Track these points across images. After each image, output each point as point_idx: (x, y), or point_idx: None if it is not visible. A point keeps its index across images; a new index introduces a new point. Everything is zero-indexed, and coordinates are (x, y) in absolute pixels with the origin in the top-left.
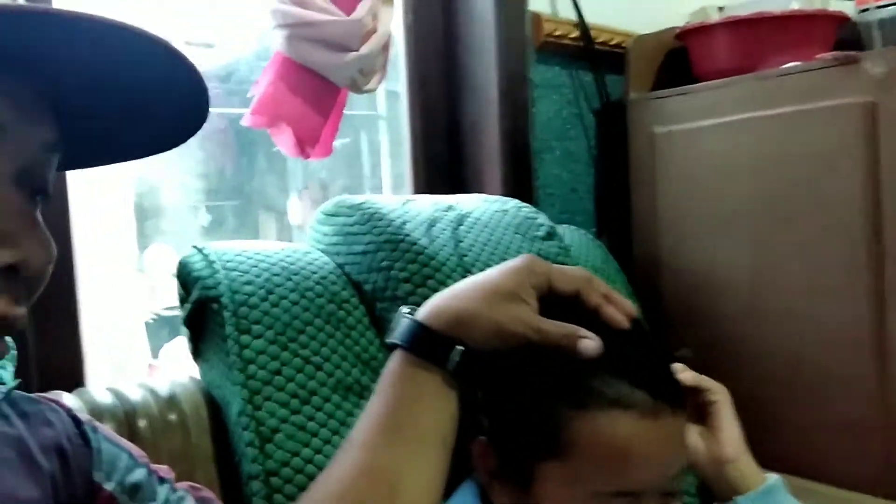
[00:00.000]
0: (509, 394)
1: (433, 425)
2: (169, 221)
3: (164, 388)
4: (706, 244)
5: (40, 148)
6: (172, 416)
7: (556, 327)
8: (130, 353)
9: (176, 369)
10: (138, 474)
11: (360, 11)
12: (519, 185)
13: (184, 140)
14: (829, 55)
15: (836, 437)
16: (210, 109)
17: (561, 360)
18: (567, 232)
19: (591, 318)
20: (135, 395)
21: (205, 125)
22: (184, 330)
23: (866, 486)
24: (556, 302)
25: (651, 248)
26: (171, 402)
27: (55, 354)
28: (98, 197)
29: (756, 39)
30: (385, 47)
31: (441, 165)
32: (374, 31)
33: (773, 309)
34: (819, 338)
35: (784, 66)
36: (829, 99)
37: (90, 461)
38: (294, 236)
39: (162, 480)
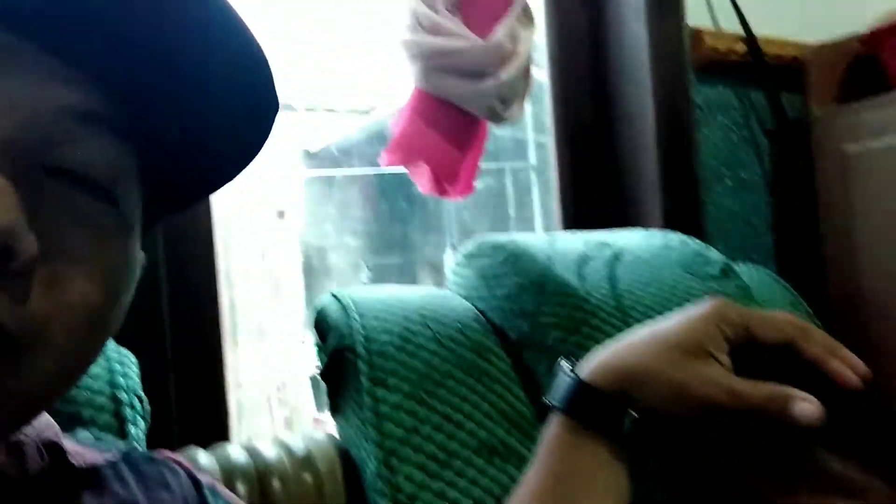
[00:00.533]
0: (695, 472)
1: (600, 502)
2: (334, 281)
3: (299, 446)
4: None
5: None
6: (307, 476)
7: (759, 389)
8: (298, 410)
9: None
10: None
11: (498, 34)
12: (684, 218)
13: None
14: None
15: None
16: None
17: (765, 431)
18: (744, 270)
19: (806, 377)
20: (269, 452)
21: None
22: (321, 383)
23: None
24: (757, 359)
25: (850, 288)
26: (306, 460)
27: (198, 410)
28: (266, 256)
29: None
30: (527, 72)
31: (594, 200)
32: (513, 54)
33: None
34: None
35: None
36: None
37: None
38: None
39: None
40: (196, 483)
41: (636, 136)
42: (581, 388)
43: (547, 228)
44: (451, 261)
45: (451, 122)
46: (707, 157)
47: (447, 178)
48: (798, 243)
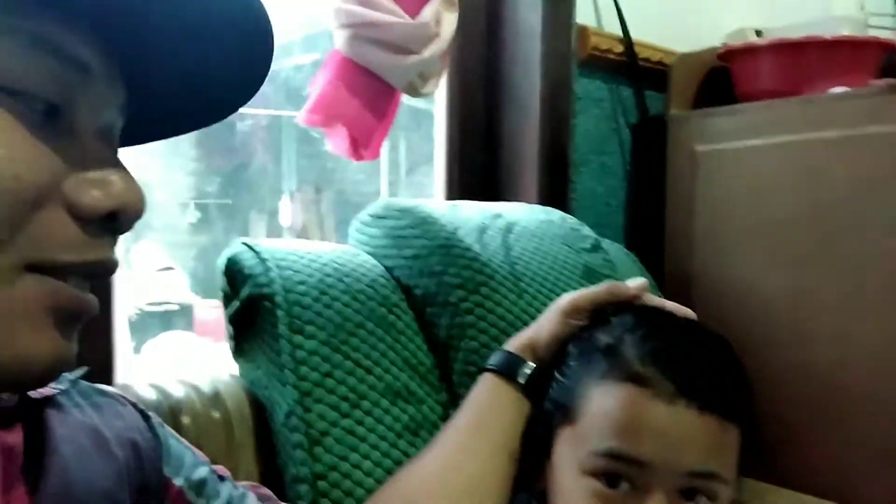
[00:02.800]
0: (556, 379)
1: (507, 431)
2: (157, 218)
3: (206, 385)
4: (742, 263)
5: (117, 109)
6: (216, 415)
7: (601, 286)
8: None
9: (159, 366)
10: (202, 472)
11: (426, 15)
12: (556, 195)
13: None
14: (881, 82)
15: (869, 462)
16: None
17: (604, 347)
18: (605, 244)
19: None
20: (177, 391)
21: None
22: (228, 327)
23: None
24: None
25: (684, 265)
26: (215, 399)
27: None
28: None
29: (802, 63)
30: (445, 52)
31: (477, 172)
32: (436, 35)
33: (808, 329)
34: (856, 360)
35: (833, 91)
36: (877, 125)
37: (160, 456)
38: (284, 238)
39: (222, 478)
40: (144, 416)
41: (521, 118)
42: (500, 352)
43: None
44: (286, 208)
45: (371, 91)
46: (578, 142)
47: (364, 142)
48: (646, 224)
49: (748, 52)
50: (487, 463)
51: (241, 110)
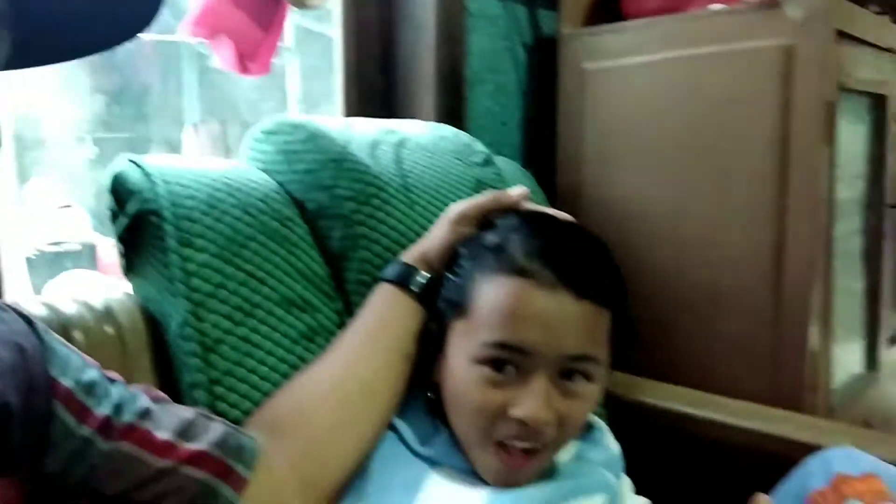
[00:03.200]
0: (448, 278)
1: (402, 336)
2: (52, 154)
3: (98, 302)
4: (628, 176)
5: None
6: (109, 329)
7: (486, 195)
8: (11, 289)
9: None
10: (91, 374)
11: None
12: (452, 114)
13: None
14: None
15: (730, 354)
16: None
17: (491, 246)
18: (499, 160)
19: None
20: (69, 308)
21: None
22: (118, 245)
23: (756, 397)
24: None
25: (575, 180)
26: (107, 315)
27: None
28: None
29: None
30: None
31: (374, 91)
32: None
33: (687, 236)
34: (723, 263)
35: (709, 8)
36: (750, 40)
37: (45, 357)
38: None
39: (112, 381)
40: (28, 321)
41: (416, 37)
42: (395, 263)
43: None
44: (190, 140)
45: (256, 2)
46: (473, 61)
47: (249, 55)
48: (541, 143)
49: None
50: (382, 366)
51: (139, 37)
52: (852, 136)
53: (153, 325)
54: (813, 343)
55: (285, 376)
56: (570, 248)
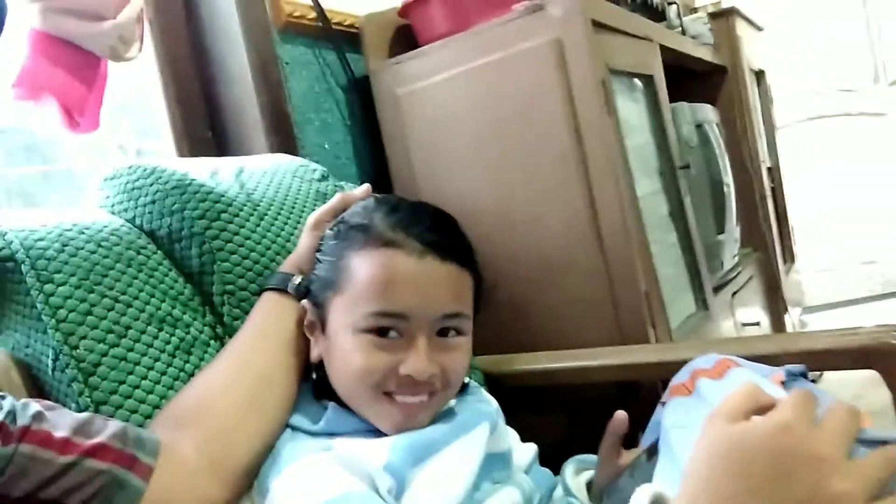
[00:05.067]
0: (319, 252)
1: (290, 330)
2: None
3: None
4: (455, 180)
5: None
6: None
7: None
8: None
9: None
10: None
11: None
12: (285, 153)
13: None
14: (520, 5)
15: (578, 312)
16: None
17: (357, 225)
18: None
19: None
20: None
21: None
22: None
23: (607, 343)
24: None
25: (411, 195)
26: None
27: None
28: None
29: (464, 4)
30: (140, 15)
31: (205, 145)
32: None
33: (515, 220)
34: (551, 235)
35: (489, 21)
36: (525, 42)
37: None
38: None
39: (2, 395)
40: None
41: (237, 90)
42: (273, 274)
43: None
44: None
45: (74, 61)
46: (297, 104)
47: (77, 110)
48: (375, 169)
49: (420, 4)
50: (275, 359)
51: None
52: (634, 112)
53: (26, 371)
54: (642, 284)
55: (169, 388)
56: (428, 218)
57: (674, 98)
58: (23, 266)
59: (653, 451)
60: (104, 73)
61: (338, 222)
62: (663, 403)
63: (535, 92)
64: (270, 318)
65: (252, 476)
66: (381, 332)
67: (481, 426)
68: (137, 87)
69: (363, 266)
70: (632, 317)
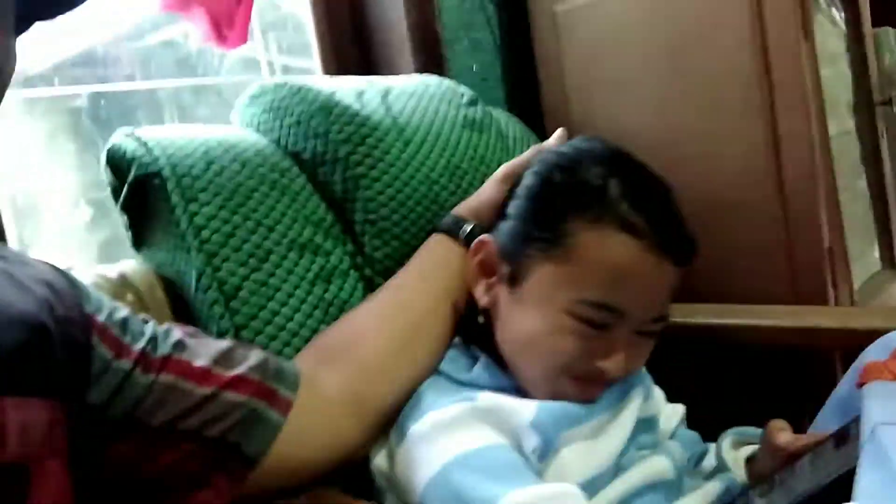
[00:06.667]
0: (529, 198)
1: (451, 278)
2: (49, 222)
3: (113, 273)
4: (613, 108)
5: None
6: (129, 296)
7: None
8: None
9: None
10: (123, 312)
11: None
12: (432, 74)
13: None
14: None
15: (748, 263)
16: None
17: (592, 188)
18: (490, 110)
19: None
20: (86, 279)
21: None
22: (122, 219)
23: (780, 301)
24: None
25: (562, 122)
26: (124, 282)
27: None
28: None
29: None
30: None
31: (351, 63)
32: None
33: (680, 155)
34: (725, 175)
35: None
36: None
37: (79, 295)
38: None
39: (145, 320)
40: (53, 267)
41: (386, 6)
42: (448, 216)
43: None
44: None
45: None
46: (446, 20)
47: (226, 23)
48: (524, 93)
49: None
50: (431, 306)
51: (115, 90)
52: (831, 37)
53: (170, 288)
54: (826, 239)
55: (308, 316)
56: (666, 206)
57: (878, 22)
58: (168, 183)
59: (841, 439)
60: None
61: (563, 168)
62: (860, 385)
63: (719, 8)
64: (434, 262)
65: (390, 420)
66: (592, 323)
67: (635, 392)
68: (286, 4)
69: (596, 246)
70: (811, 274)
